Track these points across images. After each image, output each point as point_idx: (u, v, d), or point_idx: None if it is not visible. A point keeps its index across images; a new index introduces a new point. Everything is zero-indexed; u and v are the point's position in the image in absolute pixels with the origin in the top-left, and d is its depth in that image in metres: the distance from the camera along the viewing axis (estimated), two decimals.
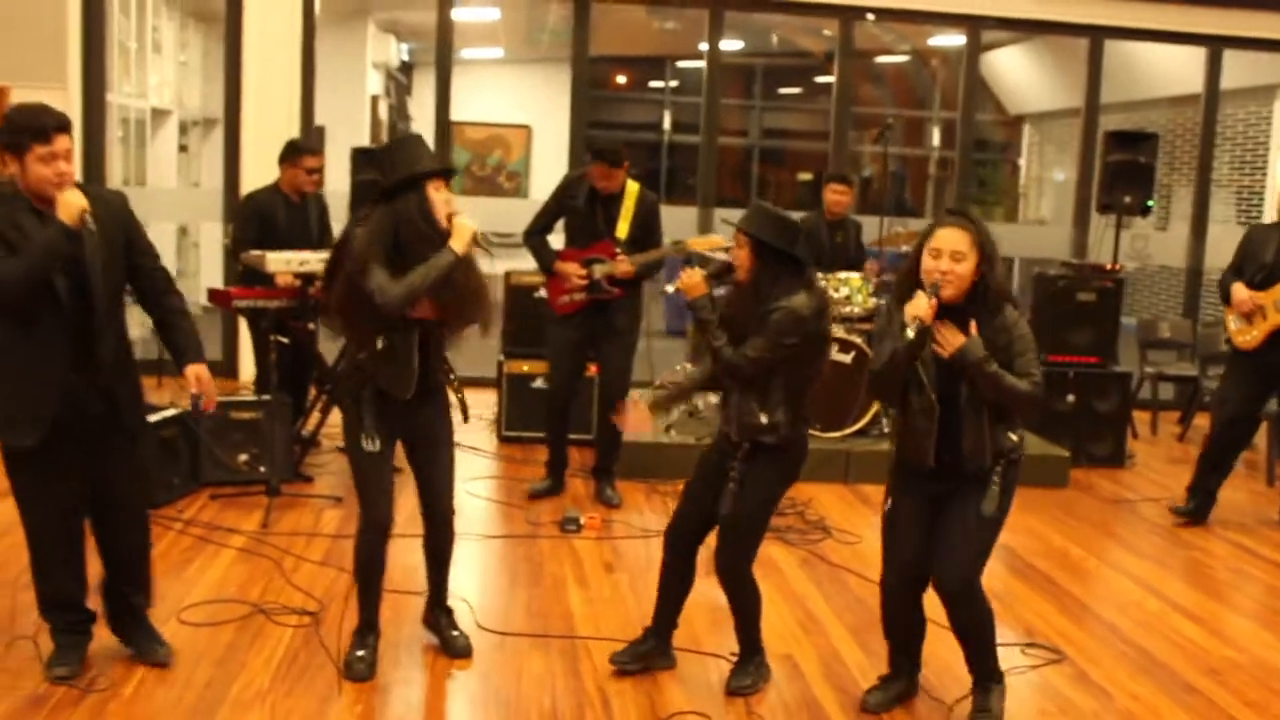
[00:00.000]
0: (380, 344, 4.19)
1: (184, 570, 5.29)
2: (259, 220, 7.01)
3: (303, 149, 7.10)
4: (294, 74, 9.04)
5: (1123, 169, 8.39)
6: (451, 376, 4.52)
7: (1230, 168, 13.69)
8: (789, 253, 4.09)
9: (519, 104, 17.20)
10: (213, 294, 6.73)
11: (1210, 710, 4.42)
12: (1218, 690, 4.59)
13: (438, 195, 4.14)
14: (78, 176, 4.28)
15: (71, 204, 3.79)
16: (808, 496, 6.80)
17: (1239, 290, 6.43)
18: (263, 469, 6.34)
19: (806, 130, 21.49)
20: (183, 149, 11.53)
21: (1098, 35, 9.77)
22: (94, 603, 4.37)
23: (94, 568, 4.30)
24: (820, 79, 20.43)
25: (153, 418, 6.18)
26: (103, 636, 4.40)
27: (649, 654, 4.45)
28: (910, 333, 3.79)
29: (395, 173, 4.15)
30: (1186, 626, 5.27)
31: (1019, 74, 16.77)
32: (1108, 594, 5.61)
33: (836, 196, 8.07)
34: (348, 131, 12.83)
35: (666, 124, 18.89)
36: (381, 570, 4.41)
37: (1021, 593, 5.55)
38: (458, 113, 17.32)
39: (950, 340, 3.85)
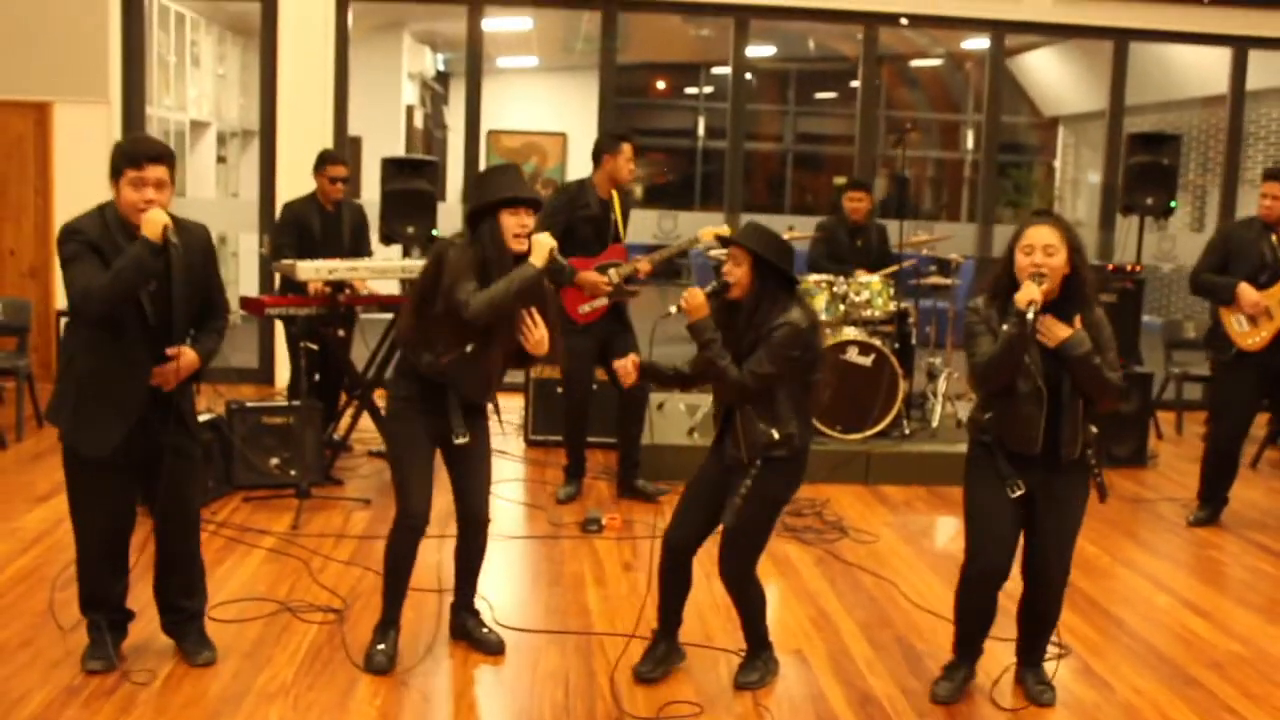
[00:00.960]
0: (469, 349, 4.41)
1: (215, 570, 5.46)
2: (296, 229, 7.24)
3: (328, 159, 7.30)
4: (328, 86, 9.24)
5: (1145, 171, 8.45)
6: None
7: (1263, 168, 13.63)
8: (787, 271, 4.22)
9: (554, 112, 17.38)
10: (245, 301, 6.92)
11: (1210, 702, 4.50)
12: (1219, 683, 4.67)
13: (510, 220, 4.35)
14: None
15: (155, 221, 4.02)
16: (826, 497, 6.92)
17: (1248, 291, 6.41)
18: (293, 472, 6.52)
19: (841, 135, 21.59)
20: (221, 160, 11.78)
21: (1122, 38, 9.81)
22: (132, 601, 4.56)
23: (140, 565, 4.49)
24: (855, 83, 20.52)
25: None
26: (136, 631, 4.58)
27: (665, 657, 4.55)
28: (1030, 314, 3.95)
29: (478, 201, 4.47)
30: (1194, 621, 5.35)
31: (1053, 76, 16.77)
32: (1118, 590, 5.69)
33: (855, 204, 8.22)
34: (384, 141, 13.06)
35: (700, 130, 19.02)
36: (410, 566, 4.60)
37: None
38: (494, 121, 17.62)
39: (1054, 332, 4.02)
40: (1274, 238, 6.46)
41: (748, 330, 4.20)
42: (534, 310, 4.38)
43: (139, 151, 4.10)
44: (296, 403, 6.67)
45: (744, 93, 10.19)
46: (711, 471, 4.44)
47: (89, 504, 4.34)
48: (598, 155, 6.61)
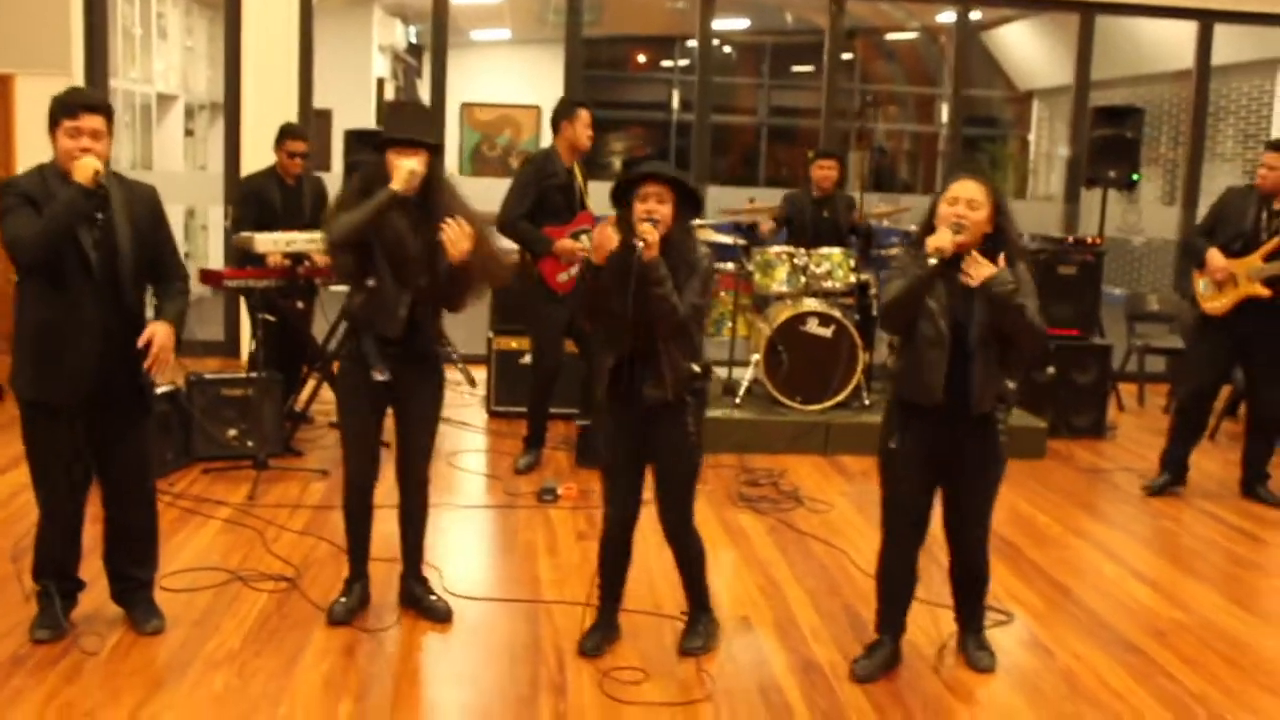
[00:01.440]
0: (371, 283, 4.44)
1: (170, 540, 5.46)
2: (256, 202, 7.22)
3: (287, 133, 7.28)
4: (292, 58, 9.21)
5: (1109, 144, 8.49)
6: (452, 353, 4.69)
7: (1235, 141, 13.71)
8: (700, 199, 4.27)
9: (528, 84, 17.32)
10: (204, 274, 6.92)
11: (1148, 668, 4.56)
12: (1159, 650, 4.73)
13: (400, 161, 4.34)
14: None
15: (85, 165, 4.02)
16: (784, 467, 6.96)
17: (1216, 256, 6.47)
18: (250, 444, 6.53)
19: (817, 109, 21.54)
20: (189, 133, 11.74)
21: (1088, 11, 9.83)
22: (83, 572, 4.57)
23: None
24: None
25: None
26: (86, 600, 4.60)
27: (608, 635, 4.55)
28: (931, 261, 3.97)
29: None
30: (1140, 590, 5.40)
31: (1026, 49, 16.78)
32: (1067, 559, 5.74)
33: (825, 172, 8.22)
34: (354, 114, 13.04)
35: (675, 103, 18.99)
36: (363, 525, 4.72)
37: None
38: (467, 94, 17.57)
39: (979, 270, 4.00)
40: (1267, 208, 6.45)
41: (675, 262, 4.14)
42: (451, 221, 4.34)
43: (74, 101, 4.11)
44: (256, 375, 6.68)
45: (710, 66, 10.17)
46: (621, 434, 4.35)
47: (48, 463, 4.33)
48: (556, 123, 6.65)
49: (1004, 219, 4.11)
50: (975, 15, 16.57)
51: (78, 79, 9.06)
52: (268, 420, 6.61)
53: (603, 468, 4.51)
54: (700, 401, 4.37)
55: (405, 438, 4.69)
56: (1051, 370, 7.93)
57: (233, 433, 6.65)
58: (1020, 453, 7.36)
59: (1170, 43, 12.90)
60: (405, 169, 4.32)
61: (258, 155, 8.37)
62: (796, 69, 20.84)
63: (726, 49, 20.64)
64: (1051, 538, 6.06)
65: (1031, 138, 18.20)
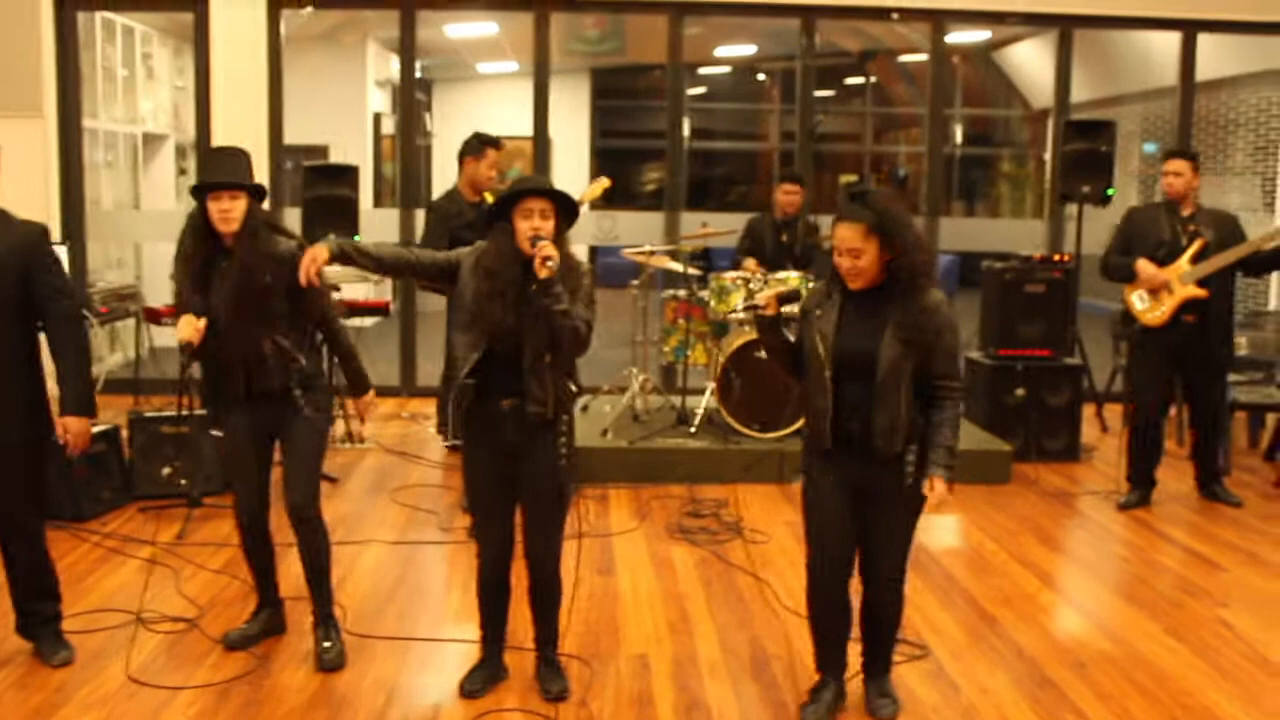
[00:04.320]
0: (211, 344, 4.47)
1: (82, 580, 5.43)
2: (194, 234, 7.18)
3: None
4: (261, 94, 9.20)
5: (1082, 158, 8.28)
6: (293, 382, 4.59)
7: (1245, 155, 13.38)
8: (576, 214, 4.18)
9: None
10: (146, 311, 6.90)
11: (1058, 704, 4.35)
12: (1075, 684, 4.52)
13: (212, 206, 4.36)
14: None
15: None
16: (732, 496, 6.81)
17: (1147, 266, 6.49)
18: (183, 482, 6.48)
19: (844, 132, 21.41)
20: (182, 172, 11.79)
21: (1067, 25, 9.63)
22: None
23: None
24: (851, 80, 20.37)
25: None
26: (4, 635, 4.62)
27: (493, 675, 4.42)
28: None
29: None
30: (1071, 620, 5.19)
31: (1039, 67, 16.51)
32: (1003, 589, 5.53)
33: (789, 197, 8.13)
34: (350, 149, 13.05)
35: (686, 131, 18.89)
36: (257, 557, 4.73)
37: (911, 587, 5.40)
38: (475, 126, 17.56)
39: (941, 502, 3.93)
40: (1177, 215, 6.53)
41: (563, 278, 4.04)
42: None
43: None
44: (195, 411, 6.62)
45: (682, 90, 10.05)
46: (492, 461, 4.21)
47: None
48: (461, 158, 6.61)
49: (900, 245, 3.84)
50: (985, 35, 16.44)
51: (51, 120, 9.14)
52: (204, 458, 6.54)
53: (470, 502, 4.37)
54: (572, 421, 4.24)
55: (285, 477, 4.60)
56: (1021, 392, 7.71)
57: (167, 470, 6.59)
58: (982, 477, 7.19)
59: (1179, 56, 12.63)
60: (183, 339, 4.35)
61: None
62: (816, 94, 20.69)
63: (760, 76, 20.59)
64: (994, 566, 5.85)
65: (1048, 156, 17.90)
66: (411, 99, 10.12)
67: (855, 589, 4.19)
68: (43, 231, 4.43)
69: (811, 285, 7.52)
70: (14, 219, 4.37)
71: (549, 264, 3.93)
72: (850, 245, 3.85)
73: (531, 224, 4.03)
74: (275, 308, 4.43)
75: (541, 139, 9.90)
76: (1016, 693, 4.44)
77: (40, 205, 9.07)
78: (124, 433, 6.68)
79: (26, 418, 4.41)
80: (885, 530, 4.10)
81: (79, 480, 6.25)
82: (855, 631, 4.27)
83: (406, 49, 9.74)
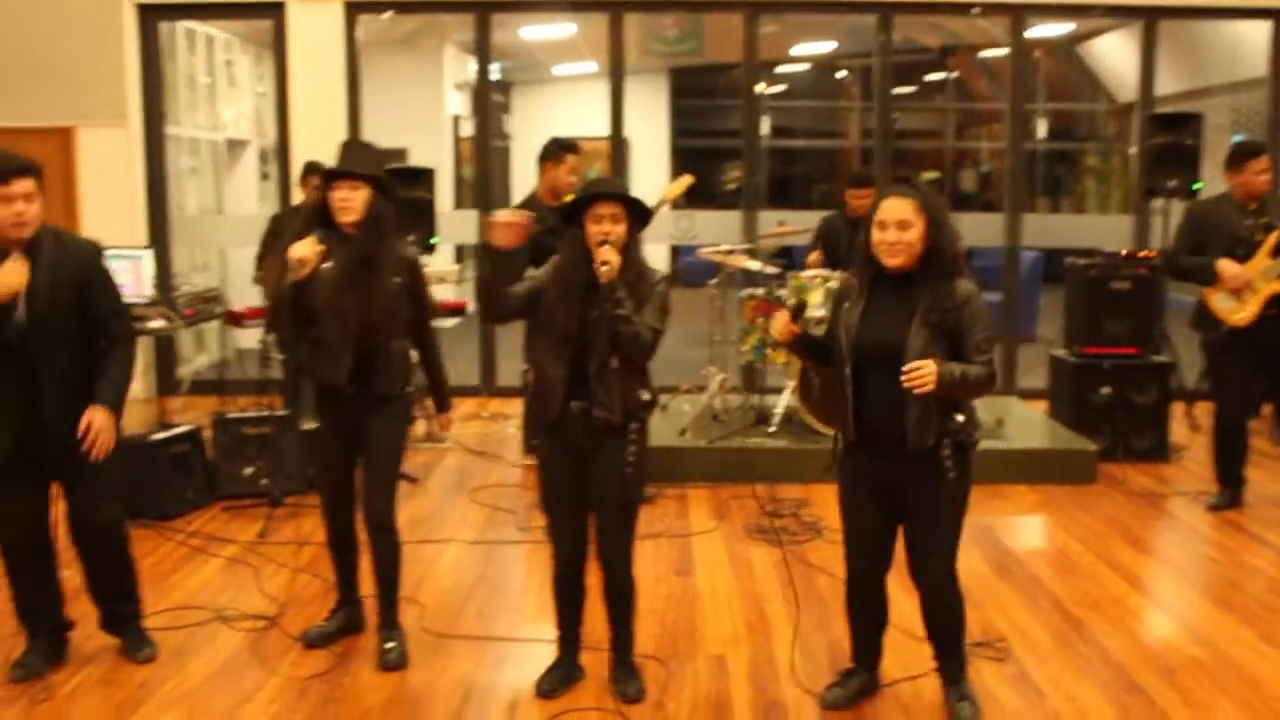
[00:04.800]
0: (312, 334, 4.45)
1: (166, 579, 5.51)
2: (278, 238, 7.27)
3: (310, 169, 7.34)
4: (340, 98, 9.29)
5: (1167, 152, 8.09)
6: (409, 388, 4.62)
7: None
8: (649, 213, 4.16)
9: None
10: (228, 315, 6.98)
11: (1146, 711, 4.24)
12: (1164, 690, 4.39)
13: (334, 195, 4.38)
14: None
15: (7, 284, 4.09)
16: (812, 497, 6.73)
17: (1230, 265, 6.23)
18: (264, 482, 6.54)
19: (924, 129, 21.19)
20: (265, 177, 11.94)
21: (1152, 16, 9.42)
22: (74, 609, 4.66)
23: None
24: (932, 76, 20.14)
25: (163, 435, 6.49)
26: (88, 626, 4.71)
27: (568, 675, 4.41)
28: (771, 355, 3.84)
29: None
30: (1160, 624, 5.07)
31: (1124, 60, 16.21)
32: (1090, 592, 5.41)
33: (860, 201, 8.00)
34: (429, 152, 13.13)
35: (766, 129, 18.79)
36: (342, 557, 4.76)
37: (996, 590, 5.40)
38: (554, 128, 17.59)
39: (927, 377, 3.71)
40: (1246, 210, 6.33)
41: (634, 283, 4.05)
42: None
43: (4, 168, 4.10)
44: (276, 412, 6.70)
45: (755, 88, 9.96)
46: (565, 463, 4.20)
47: (2, 522, 4.41)
48: (541, 163, 6.60)
49: (940, 233, 3.82)
50: (1068, 28, 16.16)
51: (135, 129, 9.30)
52: (286, 458, 6.60)
53: (543, 501, 4.36)
54: (644, 430, 4.21)
55: (365, 478, 4.62)
56: (1107, 390, 7.55)
57: (249, 470, 6.66)
58: (1067, 477, 7.05)
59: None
60: (295, 260, 4.30)
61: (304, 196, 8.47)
62: (896, 90, 20.48)
63: (841, 73, 20.44)
64: (1080, 568, 5.72)
65: (1133, 151, 17.56)
66: (488, 102, 10.17)
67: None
68: (97, 251, 4.45)
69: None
70: (68, 238, 4.40)
71: (604, 269, 3.93)
72: (900, 216, 3.80)
73: (601, 229, 4.03)
74: (400, 310, 4.48)
75: (618, 140, 9.89)
76: (1102, 699, 4.33)
77: (125, 212, 9.26)
78: (207, 434, 6.76)
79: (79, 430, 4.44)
80: (926, 531, 4.02)
81: (164, 480, 6.35)
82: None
83: (482, 51, 9.78)
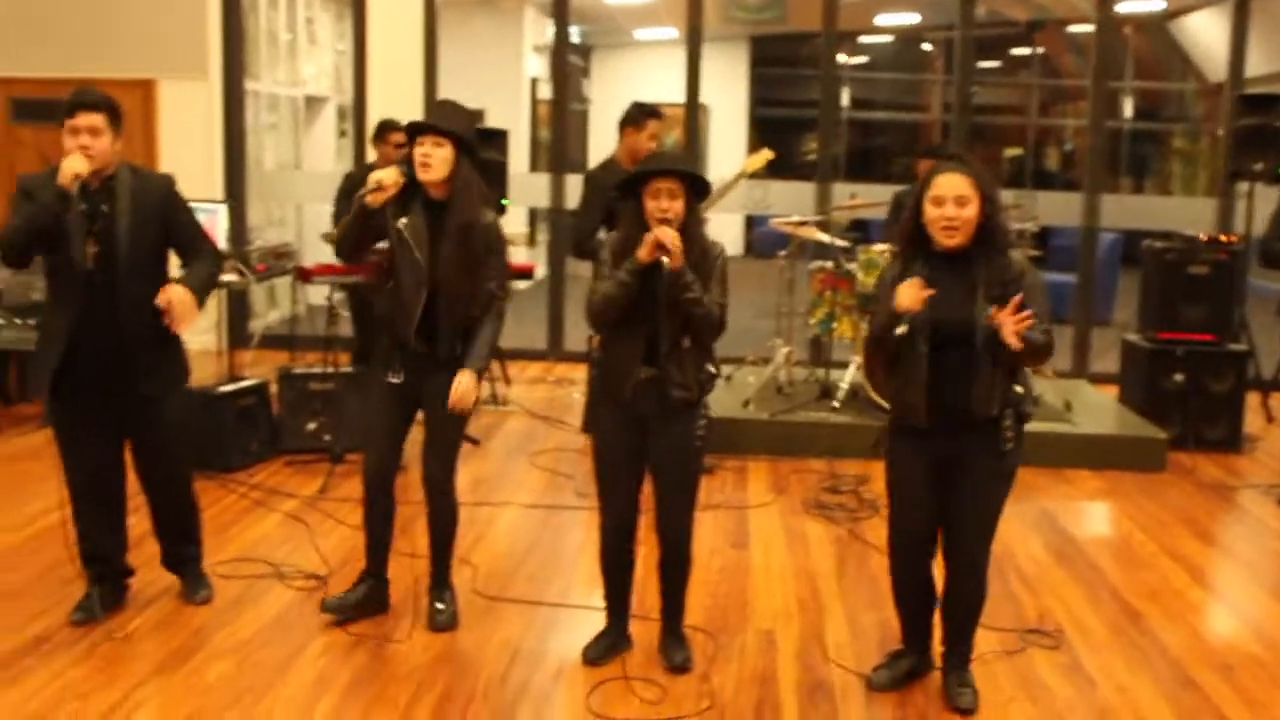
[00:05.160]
0: (389, 284, 4.48)
1: (227, 530, 5.59)
2: (347, 197, 7.32)
3: (387, 126, 7.38)
4: (416, 57, 9.32)
5: (1253, 134, 7.88)
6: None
7: None
8: (707, 186, 4.11)
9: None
10: (299, 271, 7.04)
11: (1201, 707, 4.16)
12: (1221, 687, 4.31)
13: (416, 151, 4.32)
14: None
15: (66, 168, 4.14)
16: (874, 474, 6.66)
17: None
18: (326, 438, 6.61)
19: (1008, 105, 20.83)
20: (343, 134, 12.01)
21: None
22: (135, 557, 4.78)
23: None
24: (1018, 51, 19.79)
25: (230, 387, 6.58)
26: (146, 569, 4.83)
27: (615, 644, 4.41)
28: (901, 329, 3.75)
29: None
30: (1222, 620, 4.97)
31: (1216, 39, 15.81)
32: (1149, 583, 5.31)
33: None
34: (506, 114, 13.13)
35: (846, 100, 18.59)
36: (376, 524, 4.63)
37: (1055, 577, 5.32)
38: (634, 94, 17.54)
39: (1015, 335, 3.65)
40: None
41: (696, 259, 4.02)
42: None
43: (73, 102, 4.23)
44: (341, 369, 6.76)
45: (834, 60, 9.82)
46: (625, 434, 4.19)
47: (68, 457, 4.50)
48: (622, 127, 6.55)
49: (993, 209, 3.78)
50: (1160, 5, 15.80)
51: (215, 83, 9.40)
52: (348, 415, 6.65)
53: (597, 471, 4.34)
54: (707, 405, 4.21)
55: (426, 439, 4.63)
56: (1180, 377, 7.39)
57: (312, 426, 6.73)
58: (1135, 464, 6.93)
59: None
60: (374, 180, 4.29)
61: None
62: (982, 64, 20.14)
63: (927, 45, 20.16)
64: (1142, 558, 5.62)
65: (1222, 133, 17.15)
66: (565, 65, 10.14)
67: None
68: (172, 181, 4.56)
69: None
70: (143, 172, 4.52)
71: (666, 260, 3.92)
72: (959, 192, 3.74)
73: (659, 204, 3.99)
74: (478, 278, 4.42)
75: (692, 107, 9.81)
76: (1156, 693, 4.25)
77: (203, 165, 9.36)
78: (273, 388, 6.84)
79: (167, 367, 4.54)
80: (973, 503, 3.96)
81: (229, 433, 6.44)
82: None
83: (560, 13, 9.75)
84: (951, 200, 3.74)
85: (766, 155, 7.06)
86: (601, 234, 4.82)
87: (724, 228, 6.81)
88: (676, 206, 4.00)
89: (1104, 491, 6.67)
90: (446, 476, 4.61)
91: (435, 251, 4.36)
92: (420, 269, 4.35)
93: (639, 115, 6.55)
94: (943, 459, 3.93)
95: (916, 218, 3.83)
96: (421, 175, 4.31)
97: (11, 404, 7.75)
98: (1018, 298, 3.67)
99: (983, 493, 3.94)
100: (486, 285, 4.45)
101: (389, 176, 4.27)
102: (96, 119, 4.21)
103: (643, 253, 3.95)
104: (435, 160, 4.28)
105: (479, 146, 4.51)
